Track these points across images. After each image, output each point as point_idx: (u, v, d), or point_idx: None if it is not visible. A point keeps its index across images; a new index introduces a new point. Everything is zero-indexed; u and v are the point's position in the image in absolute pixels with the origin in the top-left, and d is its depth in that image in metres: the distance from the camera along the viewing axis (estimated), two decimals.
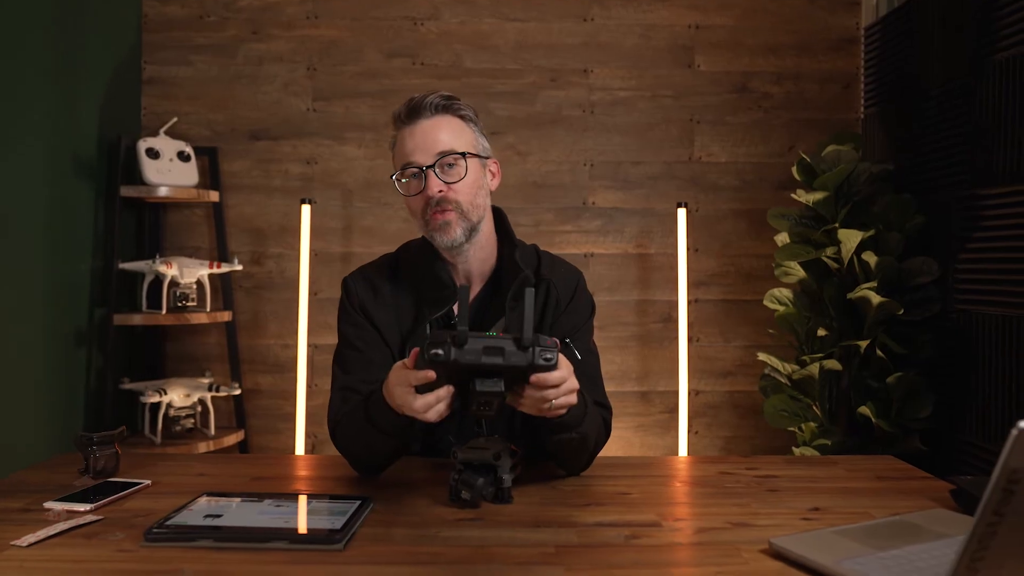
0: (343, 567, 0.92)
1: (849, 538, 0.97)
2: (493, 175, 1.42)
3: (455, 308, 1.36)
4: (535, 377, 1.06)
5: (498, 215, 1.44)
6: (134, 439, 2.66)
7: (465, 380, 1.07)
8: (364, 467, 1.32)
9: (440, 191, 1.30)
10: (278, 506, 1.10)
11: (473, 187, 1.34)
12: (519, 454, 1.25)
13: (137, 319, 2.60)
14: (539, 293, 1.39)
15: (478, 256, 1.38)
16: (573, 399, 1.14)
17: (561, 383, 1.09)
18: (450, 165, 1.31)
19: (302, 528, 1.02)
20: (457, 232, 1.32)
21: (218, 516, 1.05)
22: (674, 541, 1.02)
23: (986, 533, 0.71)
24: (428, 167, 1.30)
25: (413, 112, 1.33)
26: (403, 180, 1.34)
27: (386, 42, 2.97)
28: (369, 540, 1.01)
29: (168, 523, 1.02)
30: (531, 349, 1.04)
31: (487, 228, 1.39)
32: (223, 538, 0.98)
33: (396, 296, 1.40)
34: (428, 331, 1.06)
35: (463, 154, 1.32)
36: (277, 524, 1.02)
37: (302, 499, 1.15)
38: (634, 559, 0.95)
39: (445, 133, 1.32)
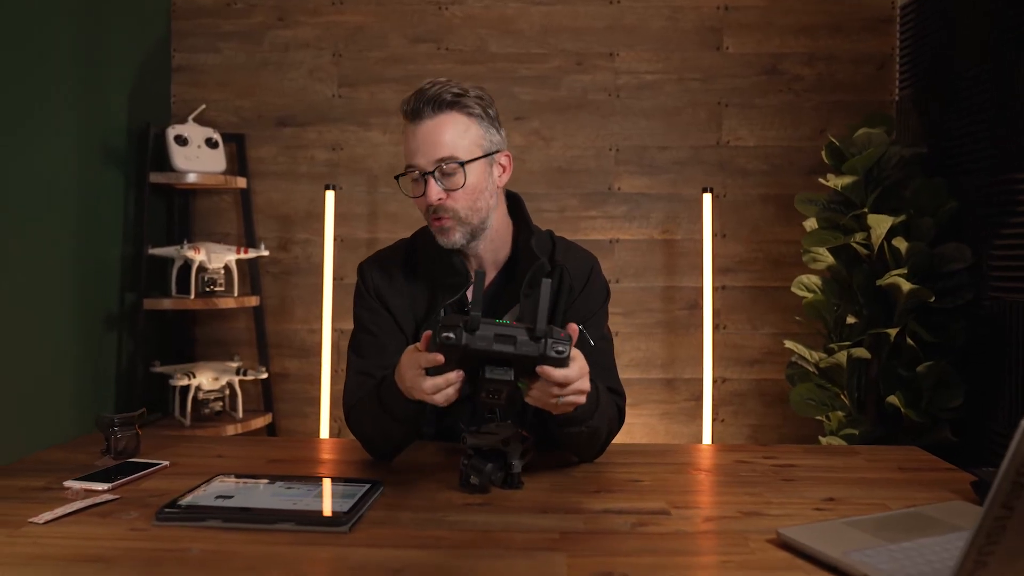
0: (347, 549, 0.93)
1: (860, 529, 0.95)
2: (503, 168, 1.36)
3: (469, 294, 1.36)
4: (540, 369, 1.05)
5: (515, 202, 1.43)
6: (164, 421, 2.72)
7: (476, 366, 1.07)
8: (378, 451, 1.33)
9: (439, 199, 1.29)
10: (289, 488, 1.12)
11: (472, 194, 1.30)
12: (530, 440, 1.25)
13: (167, 304, 2.65)
14: (553, 279, 1.38)
15: (489, 247, 1.38)
16: (582, 399, 1.12)
17: (568, 383, 1.07)
18: (450, 173, 1.28)
19: (309, 510, 1.03)
20: (456, 236, 1.31)
21: (229, 497, 1.07)
22: (681, 529, 1.01)
23: (994, 528, 0.68)
24: (427, 173, 1.28)
25: (417, 109, 1.28)
26: (407, 174, 1.32)
27: (411, 27, 2.97)
28: (375, 523, 1.02)
29: (180, 503, 1.04)
30: (543, 340, 1.03)
31: (497, 220, 1.37)
32: (231, 519, 1.00)
33: (411, 282, 1.40)
34: (442, 314, 1.05)
35: (462, 164, 1.28)
36: (286, 506, 1.04)
37: (313, 482, 1.16)
38: (637, 547, 0.94)
39: (448, 135, 1.28)
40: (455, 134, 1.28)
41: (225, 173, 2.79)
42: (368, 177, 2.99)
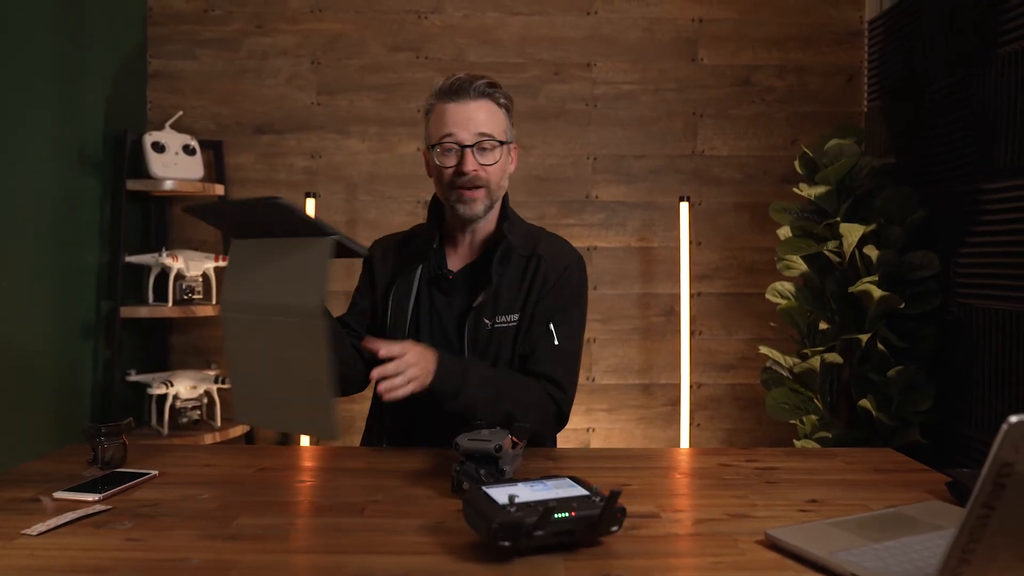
0: (348, 556, 0.94)
1: (845, 530, 0.99)
2: (512, 160, 1.55)
3: (446, 272, 1.54)
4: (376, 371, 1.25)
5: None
6: (141, 430, 2.68)
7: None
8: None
9: (475, 170, 1.44)
10: None
11: (501, 171, 1.49)
12: (520, 445, 1.27)
13: (143, 312, 2.62)
14: (528, 268, 1.52)
15: (485, 229, 1.54)
16: (409, 389, 1.27)
17: (396, 374, 1.25)
18: (487, 149, 1.45)
19: None
20: (479, 208, 1.48)
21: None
22: (672, 532, 1.03)
23: (977, 526, 0.72)
24: (467, 146, 1.44)
25: (460, 90, 1.45)
26: (438, 149, 1.46)
27: (390, 36, 2.98)
28: (373, 529, 1.03)
29: None
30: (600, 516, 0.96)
31: (497, 205, 1.53)
32: None
33: (394, 252, 1.60)
34: (490, 522, 0.92)
35: (501, 142, 1.47)
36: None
37: None
38: (632, 550, 0.97)
39: (485, 116, 1.46)
40: (490, 117, 1.47)
41: (203, 180, 2.78)
42: (347, 185, 2.99)
